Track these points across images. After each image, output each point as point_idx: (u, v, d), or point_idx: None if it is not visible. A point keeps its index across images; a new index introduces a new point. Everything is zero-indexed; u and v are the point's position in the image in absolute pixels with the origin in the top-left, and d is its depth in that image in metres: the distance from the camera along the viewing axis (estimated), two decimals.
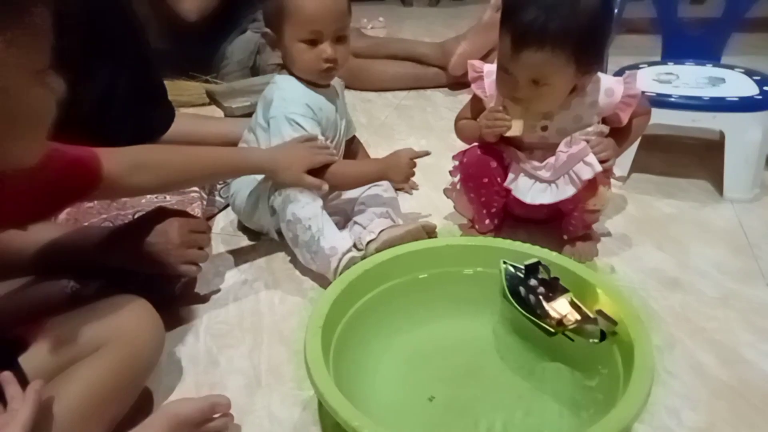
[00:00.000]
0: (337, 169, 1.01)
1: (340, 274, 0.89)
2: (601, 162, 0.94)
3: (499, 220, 1.10)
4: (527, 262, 0.82)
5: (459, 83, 1.87)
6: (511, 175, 1.01)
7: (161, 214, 0.89)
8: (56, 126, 0.91)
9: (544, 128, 0.99)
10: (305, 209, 0.97)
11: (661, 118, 1.20)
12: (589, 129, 0.98)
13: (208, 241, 0.95)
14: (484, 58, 1.80)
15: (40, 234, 0.84)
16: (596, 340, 0.74)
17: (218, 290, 1.01)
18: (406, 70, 1.89)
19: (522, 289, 0.81)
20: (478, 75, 1.03)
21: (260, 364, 0.85)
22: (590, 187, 0.96)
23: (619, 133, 1.01)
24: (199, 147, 0.97)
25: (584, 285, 0.81)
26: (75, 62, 0.94)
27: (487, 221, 1.08)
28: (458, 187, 1.08)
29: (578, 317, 0.76)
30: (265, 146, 1.03)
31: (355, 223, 1.07)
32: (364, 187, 1.10)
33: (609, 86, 0.98)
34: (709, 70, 1.36)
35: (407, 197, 1.27)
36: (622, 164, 1.26)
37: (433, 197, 1.25)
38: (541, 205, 0.99)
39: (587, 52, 0.90)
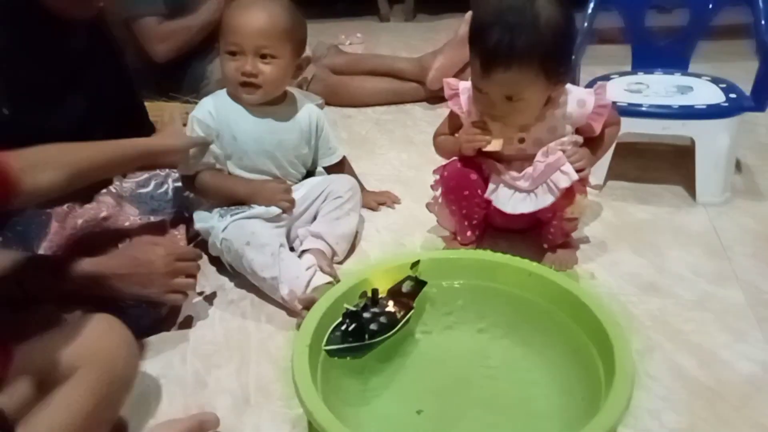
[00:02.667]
0: (205, 178, 1.06)
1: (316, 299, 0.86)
2: (577, 171, 0.97)
3: (480, 232, 1.12)
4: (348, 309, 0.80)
5: (437, 97, 1.90)
6: (491, 186, 1.03)
7: (144, 239, 0.89)
8: (7, 144, 0.91)
9: (521, 140, 1.01)
10: (256, 261, 0.99)
11: (633, 126, 1.24)
12: (564, 139, 1.01)
13: (197, 268, 0.95)
14: (461, 71, 1.83)
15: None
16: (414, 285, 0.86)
17: (205, 312, 1.01)
18: (385, 86, 1.92)
19: (370, 326, 0.79)
20: (454, 92, 1.05)
21: (248, 383, 0.86)
22: (567, 195, 0.98)
23: (592, 143, 1.04)
24: (99, 143, 0.87)
25: (564, 294, 0.83)
26: (54, 84, 0.95)
27: (468, 233, 1.10)
28: (440, 200, 1.10)
29: (401, 290, 0.84)
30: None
31: (297, 236, 1.10)
32: (325, 192, 1.12)
33: (581, 98, 1.01)
34: (677, 79, 1.40)
35: (389, 211, 1.29)
36: (598, 173, 1.29)
37: (414, 210, 1.27)
38: (521, 215, 1.02)
39: (555, 63, 0.92)
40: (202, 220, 1.08)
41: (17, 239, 0.90)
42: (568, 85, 1.00)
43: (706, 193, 1.26)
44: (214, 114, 1.06)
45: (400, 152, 1.59)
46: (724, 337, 0.90)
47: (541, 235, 1.08)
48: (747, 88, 1.28)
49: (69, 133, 0.97)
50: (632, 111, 1.24)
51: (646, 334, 0.91)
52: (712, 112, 1.23)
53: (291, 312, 0.99)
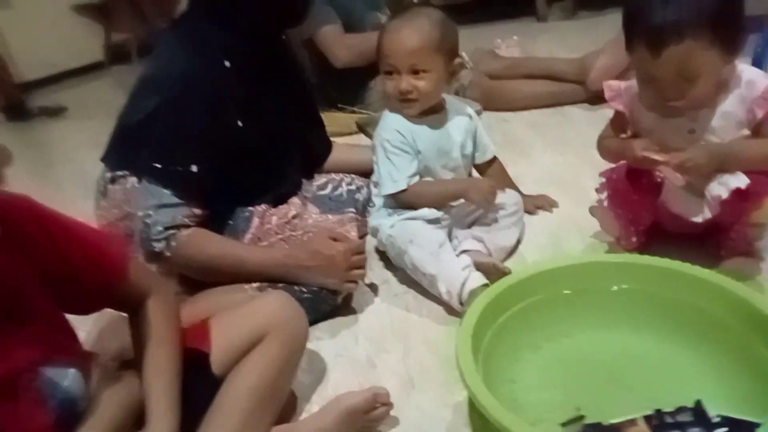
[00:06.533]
0: (415, 188, 1.12)
1: (470, 303, 0.91)
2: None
3: (646, 237, 1.08)
4: None
5: (600, 97, 1.83)
6: (666, 191, 0.98)
7: (324, 234, 1.04)
8: (239, 151, 1.08)
9: (691, 131, 0.95)
10: (417, 257, 1.06)
11: None
12: (743, 133, 0.93)
13: (366, 261, 1.07)
14: (627, 71, 1.74)
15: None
16: None
17: (373, 302, 1.12)
18: (542, 89, 1.89)
19: None
20: (616, 93, 1.02)
21: (412, 368, 0.94)
22: (754, 199, 0.90)
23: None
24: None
25: (739, 303, 0.78)
26: (271, 95, 1.12)
27: (633, 239, 1.06)
28: (605, 203, 1.08)
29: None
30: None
31: (456, 237, 1.13)
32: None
33: (750, 78, 0.92)
34: None
35: (547, 214, 1.30)
36: None
37: (573, 214, 1.26)
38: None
39: (726, 27, 0.86)
40: (374, 218, 1.19)
41: (228, 230, 1.09)
42: (739, 65, 0.92)
43: None
44: (403, 134, 1.14)
45: (556, 155, 1.57)
46: None
47: (720, 241, 1.01)
48: None
49: (277, 140, 1.15)
50: None
51: None
52: None
53: (450, 309, 1.05)
